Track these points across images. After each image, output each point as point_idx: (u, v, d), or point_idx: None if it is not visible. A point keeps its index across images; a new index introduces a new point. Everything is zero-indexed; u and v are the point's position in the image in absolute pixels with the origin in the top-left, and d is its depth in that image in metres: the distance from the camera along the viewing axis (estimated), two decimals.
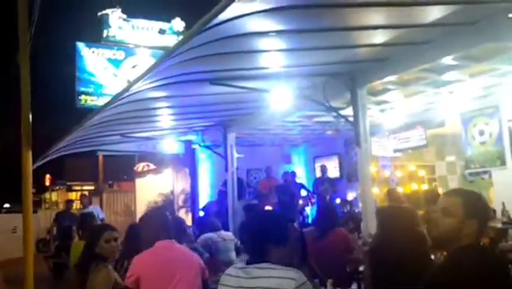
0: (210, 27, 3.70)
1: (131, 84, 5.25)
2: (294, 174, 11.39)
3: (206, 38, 4.07)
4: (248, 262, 2.47)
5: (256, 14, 3.82)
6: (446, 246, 2.26)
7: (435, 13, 4.52)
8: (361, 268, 5.04)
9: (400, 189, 9.77)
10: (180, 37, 17.75)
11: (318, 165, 12.01)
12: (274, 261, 2.39)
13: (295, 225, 4.13)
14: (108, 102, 6.22)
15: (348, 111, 6.43)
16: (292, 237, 2.60)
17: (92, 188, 19.42)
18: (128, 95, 5.59)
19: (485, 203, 2.33)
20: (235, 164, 9.61)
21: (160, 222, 3.77)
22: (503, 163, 8.34)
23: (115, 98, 5.83)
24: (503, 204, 7.53)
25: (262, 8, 3.78)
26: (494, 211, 8.12)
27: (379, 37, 5.12)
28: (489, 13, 4.52)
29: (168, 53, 4.60)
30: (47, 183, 17.83)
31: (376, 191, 9.09)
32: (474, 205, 2.22)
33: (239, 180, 10.86)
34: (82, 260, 3.99)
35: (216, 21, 3.59)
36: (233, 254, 6.31)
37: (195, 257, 3.78)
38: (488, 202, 6.99)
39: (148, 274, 3.45)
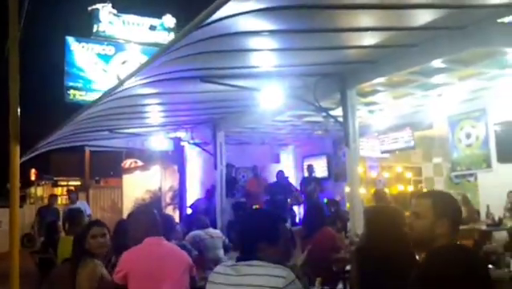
0: (204, 25, 3.71)
1: (123, 80, 5.24)
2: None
3: (199, 36, 4.08)
4: (238, 260, 2.49)
5: (248, 13, 3.84)
6: (424, 247, 2.31)
7: (425, 16, 4.57)
8: (347, 267, 5.09)
9: (386, 190, 9.88)
10: (171, 33, 17.71)
11: (305, 165, 12.06)
12: (264, 259, 2.40)
13: (286, 224, 4.17)
14: (100, 97, 6.20)
15: (338, 112, 6.47)
16: (283, 235, 2.63)
17: (78, 183, 19.27)
18: (119, 91, 5.57)
19: (456, 203, 2.39)
20: (224, 162, 9.60)
21: (149, 219, 3.76)
22: (489, 166, 8.46)
23: (108, 93, 5.81)
24: (488, 206, 7.65)
25: (255, 8, 3.79)
26: (479, 213, 8.27)
27: (370, 39, 5.16)
28: (478, 18, 4.58)
29: (163, 50, 4.60)
30: (33, 178, 17.68)
31: (363, 191, 9.17)
32: (444, 205, 2.29)
33: (232, 178, 10.88)
34: (72, 255, 3.99)
35: (210, 19, 3.59)
36: (220, 252, 6.33)
37: (183, 254, 3.78)
38: (472, 203, 7.08)
39: (136, 271, 3.45)
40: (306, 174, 11.40)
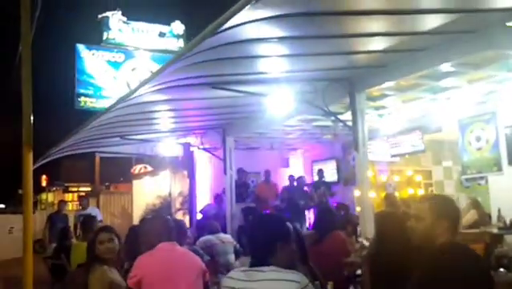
0: (217, 33, 3.77)
1: (138, 87, 5.32)
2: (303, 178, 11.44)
3: (210, 44, 4.15)
4: (251, 265, 2.52)
5: (258, 21, 3.89)
6: (426, 247, 2.47)
7: (433, 21, 4.61)
8: (359, 271, 5.10)
9: (396, 194, 9.87)
10: (180, 40, 17.84)
11: (316, 169, 12.08)
12: (277, 264, 2.43)
13: (301, 228, 4.20)
14: (113, 104, 6.28)
15: (347, 116, 6.50)
16: (294, 240, 2.66)
17: (89, 189, 19.41)
18: (133, 98, 5.65)
19: (453, 204, 2.55)
20: (234, 168, 9.65)
21: (163, 224, 3.82)
22: (499, 169, 8.41)
23: (121, 101, 5.89)
24: (499, 209, 7.61)
25: (265, 16, 3.85)
26: (490, 216, 8.23)
27: (379, 44, 5.21)
28: (487, 21, 4.62)
29: (176, 58, 4.69)
30: (44, 184, 17.85)
31: (373, 195, 9.16)
32: (442, 207, 2.45)
33: (243, 183, 10.92)
34: (85, 262, 4.05)
35: (222, 27, 3.66)
36: (232, 257, 6.37)
37: (196, 259, 3.83)
38: (482, 207, 7.05)
39: (150, 276, 3.50)
40: (316, 178, 11.41)
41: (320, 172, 11.26)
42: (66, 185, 20.03)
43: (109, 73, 16.52)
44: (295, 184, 11.00)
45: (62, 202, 12.15)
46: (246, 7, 3.34)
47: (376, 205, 8.46)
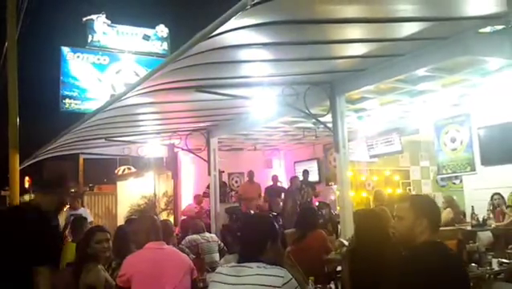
0: (206, 39, 3.93)
1: (126, 92, 5.42)
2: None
3: (198, 49, 4.29)
4: (239, 261, 2.70)
5: (244, 28, 4.05)
6: (408, 245, 2.58)
7: (410, 28, 4.79)
8: (339, 268, 5.31)
9: (385, 192, 10.15)
10: (165, 43, 17.89)
11: (300, 170, 12.29)
12: (263, 260, 2.60)
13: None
14: (100, 108, 6.38)
15: (328, 118, 6.68)
16: (279, 238, 2.85)
17: (72, 190, 19.31)
18: (121, 100, 5.76)
19: (433, 204, 2.67)
20: (217, 168, 9.79)
21: (151, 224, 3.94)
22: (473, 169, 8.73)
23: (109, 104, 5.99)
24: (472, 208, 7.91)
25: (250, 23, 4.01)
26: (464, 214, 8.54)
27: (358, 49, 5.39)
28: (460, 29, 4.81)
29: (168, 61, 4.79)
30: (27, 185, 17.68)
31: (353, 194, 9.40)
32: (421, 206, 2.56)
33: (223, 183, 11.07)
34: (75, 261, 4.15)
35: (212, 34, 3.81)
36: (216, 255, 6.52)
37: (184, 257, 3.95)
38: (457, 205, 7.31)
39: (139, 274, 3.60)
40: (301, 179, 11.59)
41: (305, 172, 11.45)
42: None
43: (94, 75, 16.49)
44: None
45: None
46: (237, 14, 3.49)
47: (356, 203, 8.72)
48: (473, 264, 4.70)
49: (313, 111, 6.72)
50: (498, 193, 7.86)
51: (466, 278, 2.55)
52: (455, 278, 2.40)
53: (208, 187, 10.13)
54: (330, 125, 6.59)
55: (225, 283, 2.62)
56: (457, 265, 2.54)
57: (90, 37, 16.54)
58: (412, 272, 2.34)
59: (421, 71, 5.95)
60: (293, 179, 11.03)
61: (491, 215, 7.76)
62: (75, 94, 16.22)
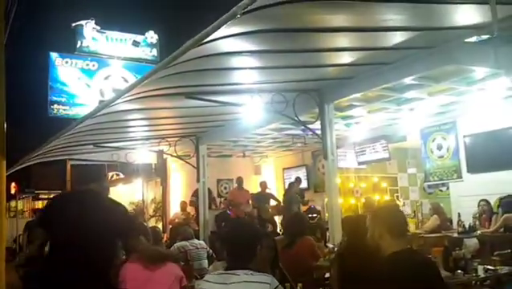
0: (197, 46, 3.96)
1: (115, 98, 5.43)
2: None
3: (188, 56, 4.33)
4: (226, 269, 2.71)
5: (234, 36, 4.10)
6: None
7: (397, 38, 4.88)
8: (327, 275, 5.33)
9: (375, 199, 10.26)
10: (154, 49, 17.90)
11: (288, 176, 12.33)
12: (249, 267, 2.63)
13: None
14: (89, 114, 6.36)
15: (316, 125, 6.73)
16: (265, 245, 2.87)
17: None
18: (110, 106, 5.75)
19: (393, 215, 2.81)
20: (207, 175, 9.79)
21: (141, 231, 3.94)
22: (459, 176, 8.84)
23: (98, 111, 5.98)
24: (459, 214, 7.99)
25: (240, 31, 4.06)
26: (451, 221, 8.62)
27: (347, 57, 5.47)
28: (446, 38, 4.90)
29: (158, 68, 4.81)
30: (13, 191, 17.52)
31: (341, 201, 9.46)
32: (379, 216, 2.75)
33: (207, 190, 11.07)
34: None
35: (203, 41, 3.85)
36: (205, 262, 6.52)
37: (173, 265, 3.97)
38: (444, 212, 7.30)
39: (128, 282, 3.60)
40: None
41: (298, 179, 11.48)
42: (36, 192, 19.67)
43: (82, 81, 16.43)
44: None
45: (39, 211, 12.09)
46: (228, 23, 3.53)
47: (344, 210, 8.77)
48: (459, 271, 4.74)
49: (302, 118, 6.77)
50: (485, 200, 7.96)
51: (437, 280, 2.64)
52: (426, 281, 2.49)
53: (193, 195, 10.11)
54: (318, 132, 6.64)
55: None
56: (430, 268, 2.66)
57: (79, 42, 16.48)
58: (389, 278, 2.48)
59: (408, 80, 6.04)
60: (293, 184, 11.06)
61: (477, 222, 7.85)
62: (63, 99, 16.14)
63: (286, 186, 11.60)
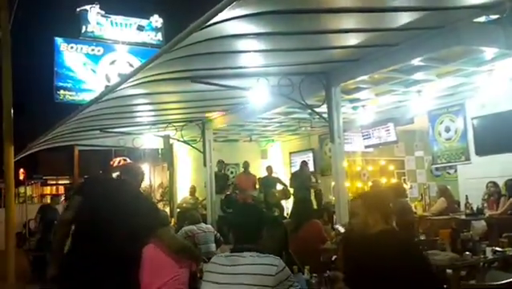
0: (201, 29, 3.93)
1: (120, 82, 5.41)
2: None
3: (190, 40, 4.29)
4: (233, 251, 2.72)
5: (239, 18, 4.05)
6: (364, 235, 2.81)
7: (404, 18, 4.81)
8: (334, 257, 5.35)
9: (382, 181, 10.25)
10: (159, 33, 17.84)
11: (295, 161, 12.32)
12: (255, 249, 2.63)
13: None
14: (95, 98, 6.36)
15: (323, 109, 6.69)
16: (271, 228, 2.88)
17: (68, 182, 19.31)
18: (115, 91, 5.75)
19: (383, 198, 2.92)
20: (213, 160, 9.80)
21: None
22: (467, 158, 8.79)
23: (103, 96, 5.98)
24: (466, 197, 7.96)
25: (244, 13, 4.01)
26: (459, 204, 8.60)
27: (353, 39, 5.39)
28: (455, 18, 4.81)
29: (162, 52, 4.78)
30: (21, 177, 17.66)
31: (348, 185, 9.45)
32: (371, 202, 2.80)
33: (223, 175, 11.12)
34: None
35: (206, 24, 3.82)
36: (213, 246, 6.55)
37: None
38: (452, 194, 7.31)
39: (145, 259, 3.65)
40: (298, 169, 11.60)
41: (304, 163, 11.46)
42: (44, 178, 19.85)
43: (88, 66, 16.43)
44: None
45: (56, 197, 12.29)
46: (232, 4, 3.49)
47: (351, 194, 8.76)
48: (467, 253, 4.73)
49: (308, 101, 6.73)
50: (493, 182, 7.92)
51: (421, 259, 2.70)
52: (409, 259, 2.56)
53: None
54: (325, 116, 6.60)
55: (219, 273, 2.65)
56: (410, 249, 2.71)
57: (84, 27, 16.44)
58: (368, 256, 2.56)
59: (416, 61, 5.96)
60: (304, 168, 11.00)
61: (485, 204, 7.83)
62: (69, 85, 16.15)
63: (294, 170, 11.55)
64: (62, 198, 13.09)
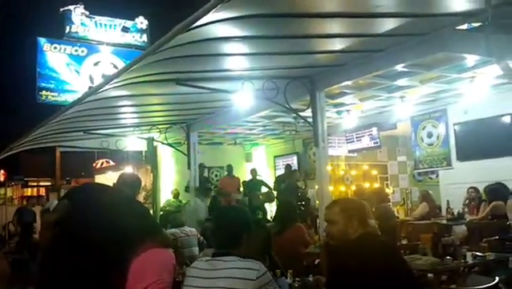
0: (186, 31, 3.91)
1: (103, 83, 5.36)
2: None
3: (175, 42, 4.27)
4: (214, 255, 2.70)
5: (224, 21, 4.05)
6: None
7: (389, 24, 4.85)
8: (317, 261, 5.36)
9: (365, 186, 10.30)
10: (144, 35, 17.74)
11: (279, 163, 12.34)
12: (236, 254, 2.61)
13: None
14: (78, 99, 6.29)
15: (307, 113, 6.71)
16: (253, 231, 2.86)
17: (49, 184, 19.06)
18: (98, 93, 5.69)
19: (359, 204, 2.84)
20: (197, 162, 9.75)
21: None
22: (449, 164, 8.90)
23: (85, 97, 5.92)
24: (448, 202, 8.05)
25: (230, 16, 4.00)
26: (440, 208, 8.70)
27: (338, 44, 5.42)
28: (438, 25, 4.87)
29: (146, 53, 4.75)
30: (1, 178, 17.39)
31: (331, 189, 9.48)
32: (349, 209, 2.71)
33: (205, 178, 11.04)
34: None
35: (191, 26, 3.80)
36: (196, 249, 6.49)
37: (164, 253, 3.96)
38: (433, 199, 7.41)
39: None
40: (282, 172, 11.61)
41: (288, 166, 11.48)
42: (25, 179, 19.59)
43: (72, 67, 16.27)
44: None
45: (31, 199, 12.09)
46: (217, 7, 3.48)
47: (335, 198, 8.79)
48: (448, 257, 4.78)
49: (293, 105, 6.74)
50: (473, 187, 8.02)
51: (402, 262, 2.69)
52: (390, 261, 2.53)
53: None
54: (310, 120, 6.62)
55: (199, 277, 2.63)
56: (391, 251, 2.70)
57: (67, 28, 16.28)
58: (349, 260, 2.50)
59: (399, 67, 6.02)
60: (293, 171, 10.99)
61: (466, 209, 7.93)
62: (52, 86, 15.98)
63: (279, 174, 11.52)
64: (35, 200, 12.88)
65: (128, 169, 12.77)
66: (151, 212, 10.99)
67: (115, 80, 5.43)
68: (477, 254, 5.06)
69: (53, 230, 3.19)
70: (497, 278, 3.21)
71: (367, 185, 10.77)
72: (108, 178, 14.04)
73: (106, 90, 5.78)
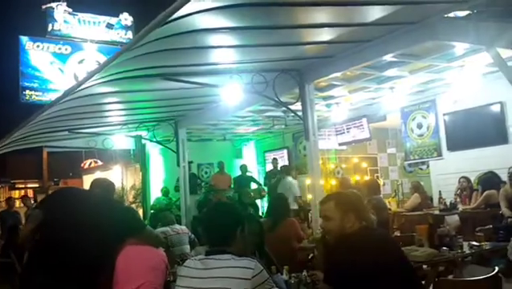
0: (164, 24, 3.79)
1: (84, 80, 5.21)
2: None
3: (159, 35, 4.14)
4: (207, 254, 2.60)
5: (207, 11, 3.93)
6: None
7: (376, 12, 4.76)
8: (311, 256, 5.28)
9: (350, 178, 10.23)
10: (129, 31, 17.52)
11: (270, 158, 12.27)
12: (231, 252, 2.52)
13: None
14: (59, 97, 6.13)
15: (297, 106, 6.64)
16: (250, 229, 2.77)
17: (37, 185, 18.81)
18: (79, 91, 5.54)
19: (354, 197, 2.82)
20: (187, 159, 9.64)
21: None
22: (439, 154, 8.88)
23: (67, 93, 5.76)
24: (439, 192, 8.04)
25: (213, 6, 3.89)
26: (431, 199, 8.69)
27: (326, 35, 5.33)
28: (427, 13, 4.81)
29: (124, 49, 4.63)
30: None
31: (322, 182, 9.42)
32: (345, 203, 2.68)
33: (192, 174, 10.93)
34: None
35: (170, 18, 3.68)
36: (187, 247, 6.41)
37: (155, 252, 3.87)
38: (424, 190, 7.37)
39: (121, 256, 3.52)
40: (270, 167, 11.57)
41: (275, 160, 11.44)
42: (12, 181, 19.32)
43: (55, 66, 16.00)
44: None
45: (11, 199, 11.80)
46: None
47: (326, 191, 8.74)
48: (445, 248, 4.73)
49: (282, 99, 6.65)
50: (465, 177, 8.02)
51: (400, 253, 2.66)
52: (389, 252, 2.52)
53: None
54: (299, 113, 6.54)
55: (192, 277, 2.52)
56: (390, 243, 2.67)
57: (50, 26, 16.00)
58: (348, 254, 2.47)
59: (389, 57, 5.97)
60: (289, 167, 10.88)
61: (458, 199, 7.91)
62: (35, 85, 15.71)
63: (272, 168, 11.43)
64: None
65: (117, 169, 12.66)
66: (140, 211, 10.89)
67: (99, 76, 5.28)
68: (474, 243, 5.02)
69: (33, 239, 3.05)
70: (496, 268, 3.14)
71: (357, 178, 10.74)
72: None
73: (90, 86, 5.63)
